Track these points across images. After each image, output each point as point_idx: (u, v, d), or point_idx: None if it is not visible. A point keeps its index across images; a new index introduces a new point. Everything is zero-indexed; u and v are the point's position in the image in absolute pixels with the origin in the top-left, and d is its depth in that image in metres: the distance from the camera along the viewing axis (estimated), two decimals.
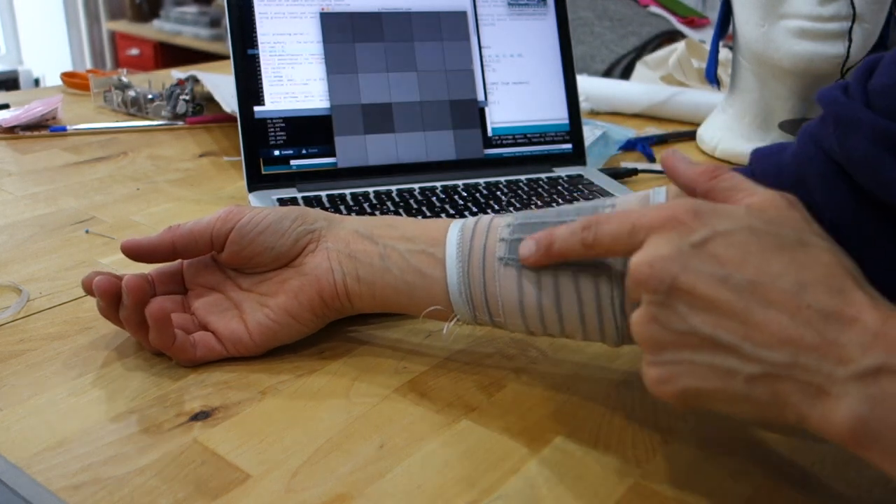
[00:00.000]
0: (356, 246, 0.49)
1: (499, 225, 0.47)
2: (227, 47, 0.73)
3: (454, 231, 0.48)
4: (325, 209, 0.66)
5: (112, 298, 0.48)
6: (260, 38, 0.73)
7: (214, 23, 3.22)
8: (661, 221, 0.37)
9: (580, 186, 0.76)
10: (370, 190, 0.72)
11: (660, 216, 0.37)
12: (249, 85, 0.72)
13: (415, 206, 0.69)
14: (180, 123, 1.03)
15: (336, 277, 0.49)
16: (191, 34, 3.26)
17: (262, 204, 0.69)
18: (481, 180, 0.75)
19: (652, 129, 1.06)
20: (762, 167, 0.46)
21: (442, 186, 0.73)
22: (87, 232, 0.69)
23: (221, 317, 0.50)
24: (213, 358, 0.49)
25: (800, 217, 0.38)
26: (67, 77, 1.21)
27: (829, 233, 0.40)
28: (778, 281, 0.34)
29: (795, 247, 0.35)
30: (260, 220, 0.49)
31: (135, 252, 0.50)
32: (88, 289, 0.49)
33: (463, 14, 0.79)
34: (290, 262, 0.50)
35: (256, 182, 0.71)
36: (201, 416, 0.45)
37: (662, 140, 1.01)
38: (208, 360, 0.49)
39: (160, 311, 0.47)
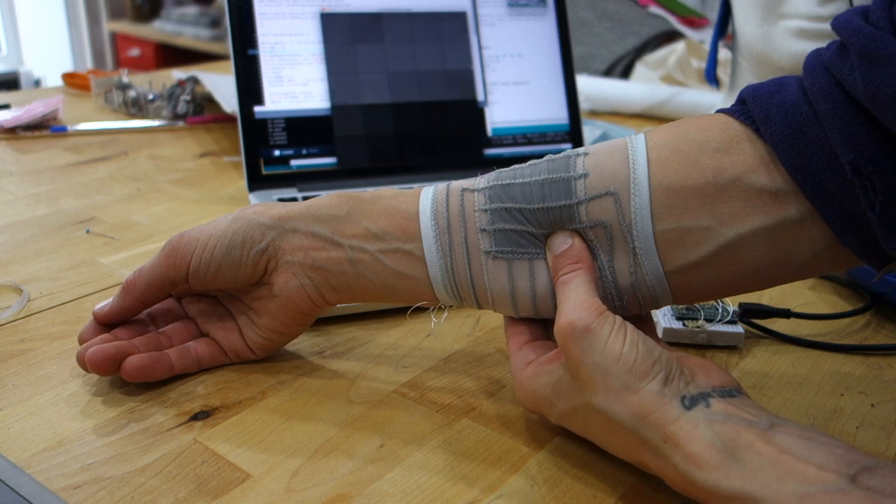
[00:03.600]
0: (319, 254, 0.46)
1: (473, 208, 0.45)
2: (228, 47, 0.73)
3: (427, 221, 0.45)
4: None
5: (112, 370, 0.46)
6: (260, 39, 0.73)
7: (215, 23, 3.22)
8: None
9: None
10: (370, 190, 0.72)
11: None
12: (249, 85, 0.72)
13: None
14: (181, 123, 1.03)
15: (309, 293, 0.47)
16: (191, 35, 3.27)
17: None
18: None
19: None
20: (763, 108, 0.41)
21: None
22: (87, 232, 0.69)
23: (221, 326, 0.50)
24: (218, 364, 0.50)
25: None
26: (68, 77, 1.21)
27: (851, 175, 0.37)
28: None
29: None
30: (209, 260, 0.46)
31: (108, 319, 0.49)
32: (83, 364, 0.46)
33: (463, 14, 0.79)
34: (260, 280, 0.48)
35: (257, 182, 0.71)
36: (201, 416, 0.45)
37: None
38: (213, 366, 0.50)
39: (138, 374, 0.46)
